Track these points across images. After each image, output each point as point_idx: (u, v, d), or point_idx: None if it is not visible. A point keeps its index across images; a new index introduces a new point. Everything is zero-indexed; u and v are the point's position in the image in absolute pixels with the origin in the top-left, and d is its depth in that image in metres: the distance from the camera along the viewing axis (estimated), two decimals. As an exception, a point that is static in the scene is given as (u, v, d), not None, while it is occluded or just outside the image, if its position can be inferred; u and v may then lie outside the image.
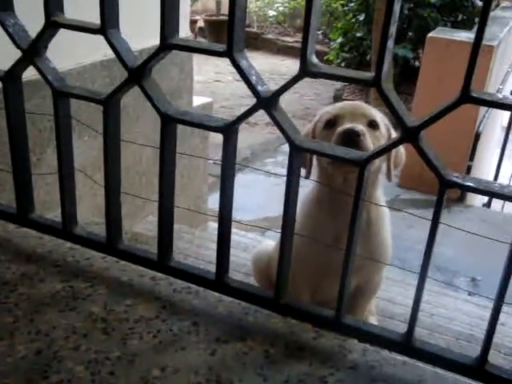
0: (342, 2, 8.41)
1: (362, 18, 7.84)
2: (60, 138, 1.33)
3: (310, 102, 8.05)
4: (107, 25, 1.16)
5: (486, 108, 5.35)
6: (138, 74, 1.18)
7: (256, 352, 1.20)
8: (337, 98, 7.97)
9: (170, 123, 1.20)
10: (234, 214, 1.18)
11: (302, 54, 1.02)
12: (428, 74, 4.77)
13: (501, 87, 6.22)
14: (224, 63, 10.03)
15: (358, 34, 7.98)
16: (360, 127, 1.34)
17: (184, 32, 2.99)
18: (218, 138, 1.18)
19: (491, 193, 0.98)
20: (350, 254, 1.14)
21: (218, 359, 1.18)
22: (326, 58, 8.91)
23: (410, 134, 1.00)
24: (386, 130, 1.45)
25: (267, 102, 1.09)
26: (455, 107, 0.94)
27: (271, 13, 10.79)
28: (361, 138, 1.32)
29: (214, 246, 1.31)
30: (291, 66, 9.79)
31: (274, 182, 4.88)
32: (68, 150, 1.36)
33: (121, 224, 1.40)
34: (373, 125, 1.40)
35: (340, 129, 1.35)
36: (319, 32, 10.20)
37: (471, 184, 0.99)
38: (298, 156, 1.11)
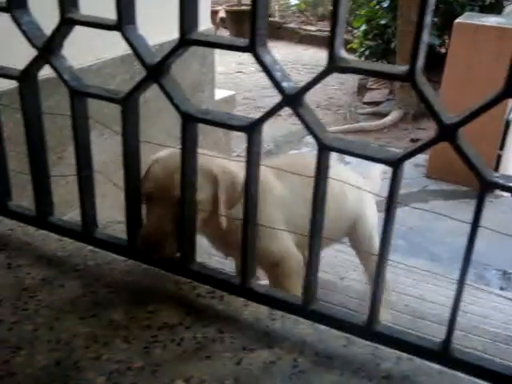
0: (364, -12, 8.24)
1: (386, 4, 7.64)
2: (78, 138, 1.29)
3: (334, 92, 7.91)
4: (123, 20, 1.10)
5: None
6: (156, 71, 1.13)
7: (284, 361, 1.15)
8: (361, 87, 7.82)
9: (191, 122, 1.14)
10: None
11: (329, 47, 0.95)
12: (456, 60, 4.62)
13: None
14: (246, 54, 9.94)
15: (382, 21, 7.77)
16: (154, 235, 1.34)
17: (205, 25, 2.93)
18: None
19: (538, 194, 0.90)
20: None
21: (245, 369, 1.12)
22: (349, 46, 8.75)
23: (446, 132, 0.93)
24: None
25: (293, 100, 1.02)
26: (498, 102, 0.87)
27: (293, 2, 10.65)
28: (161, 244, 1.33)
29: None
30: (313, 55, 9.65)
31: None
32: (86, 151, 1.31)
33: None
34: None
35: (140, 234, 1.35)
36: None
37: (515, 185, 0.91)
38: (327, 155, 1.05)
